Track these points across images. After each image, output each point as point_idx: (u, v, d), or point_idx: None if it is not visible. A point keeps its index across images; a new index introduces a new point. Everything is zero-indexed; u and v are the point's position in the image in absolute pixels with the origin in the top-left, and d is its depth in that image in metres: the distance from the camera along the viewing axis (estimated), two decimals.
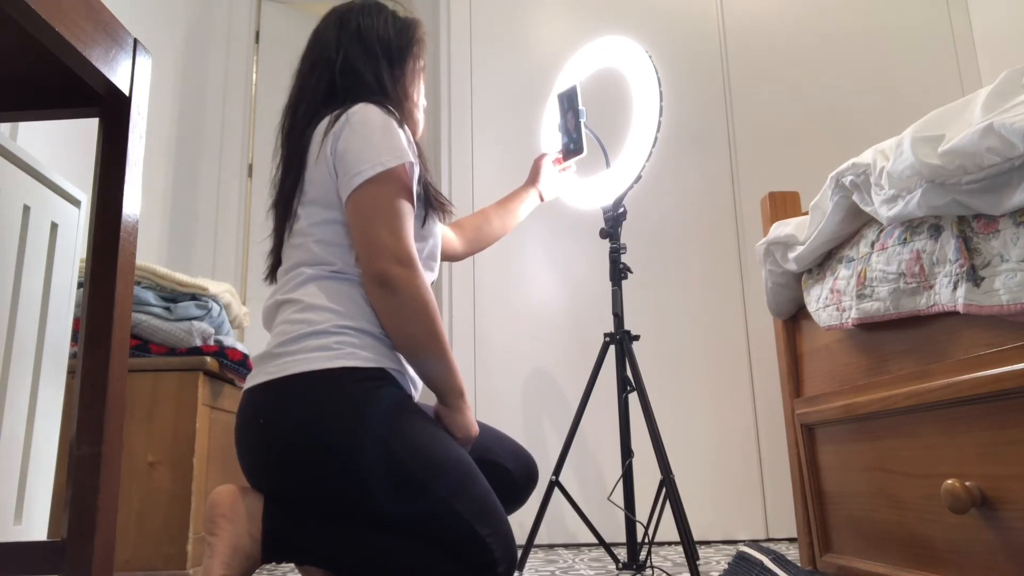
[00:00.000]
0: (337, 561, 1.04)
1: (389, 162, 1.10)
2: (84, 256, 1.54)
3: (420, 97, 1.34)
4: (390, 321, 1.09)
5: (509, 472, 1.26)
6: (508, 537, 1.05)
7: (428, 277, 1.22)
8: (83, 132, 1.73)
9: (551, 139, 2.19)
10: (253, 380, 1.10)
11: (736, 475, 2.49)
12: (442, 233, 1.48)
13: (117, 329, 0.74)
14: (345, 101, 1.18)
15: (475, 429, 1.16)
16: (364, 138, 1.11)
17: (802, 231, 1.48)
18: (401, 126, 1.17)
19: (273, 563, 1.06)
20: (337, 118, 1.15)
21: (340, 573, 1.05)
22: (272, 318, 1.16)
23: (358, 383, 1.05)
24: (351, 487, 1.03)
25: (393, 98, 1.24)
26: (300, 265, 1.14)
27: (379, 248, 1.08)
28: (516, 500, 1.29)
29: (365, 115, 1.14)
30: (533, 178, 1.69)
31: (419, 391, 1.21)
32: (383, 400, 1.05)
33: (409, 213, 1.12)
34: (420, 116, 1.34)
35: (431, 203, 1.22)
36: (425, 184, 1.21)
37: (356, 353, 1.06)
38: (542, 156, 1.72)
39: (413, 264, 1.09)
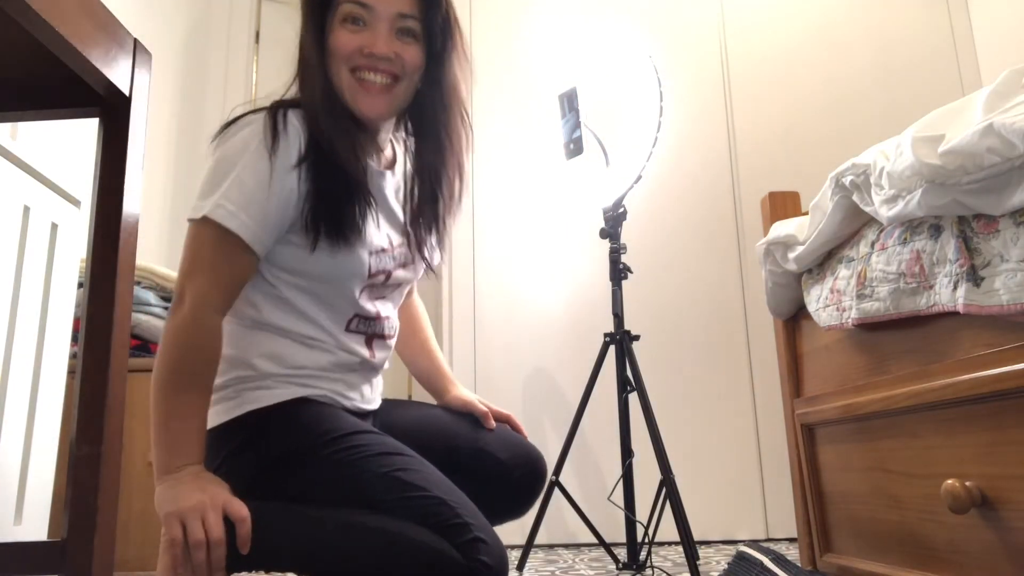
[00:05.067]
0: (306, 552, 0.95)
1: (201, 211, 0.98)
2: (84, 256, 1.54)
3: (347, 56, 1.04)
4: None
5: (502, 463, 1.15)
6: (479, 519, 0.95)
7: (305, 329, 1.05)
8: (83, 132, 1.73)
9: (551, 139, 2.20)
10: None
11: (736, 475, 2.49)
12: None
13: (117, 329, 0.74)
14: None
15: (182, 505, 0.88)
16: (207, 170, 1.01)
17: (802, 231, 1.48)
18: (275, 142, 0.99)
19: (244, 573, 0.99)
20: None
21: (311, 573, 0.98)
22: None
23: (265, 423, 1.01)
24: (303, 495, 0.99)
25: (317, 81, 1.05)
26: None
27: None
28: (514, 498, 1.17)
29: (221, 142, 1.02)
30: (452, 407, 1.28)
31: (370, 396, 1.15)
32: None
33: (214, 252, 0.98)
34: (370, 76, 1.04)
35: (322, 227, 1.01)
36: (316, 203, 1.01)
37: (256, 395, 1.02)
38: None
39: (188, 305, 0.96)
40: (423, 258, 1.17)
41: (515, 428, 1.26)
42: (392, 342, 1.19)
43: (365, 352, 1.11)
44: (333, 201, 1.02)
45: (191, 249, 1.00)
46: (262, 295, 1.06)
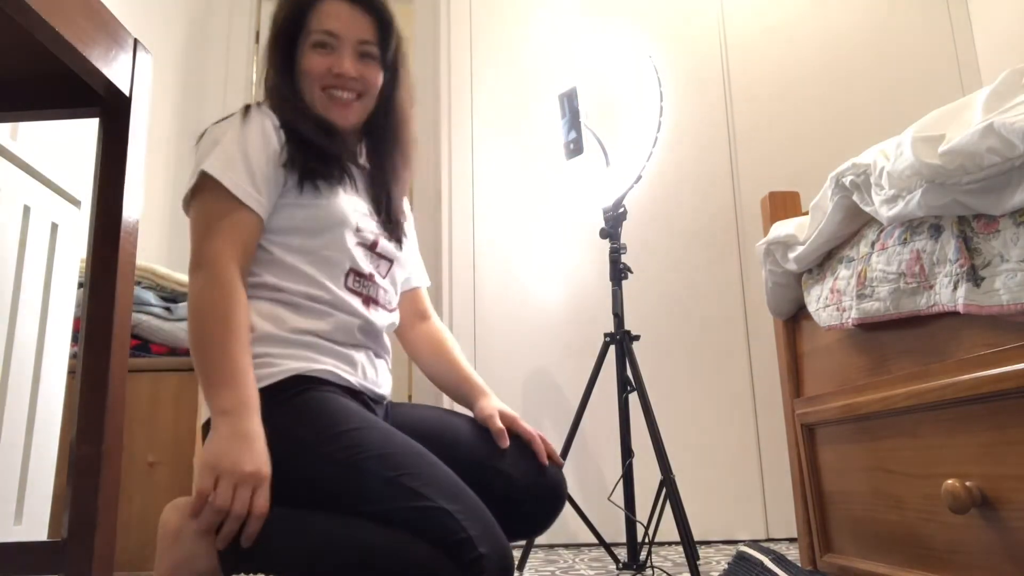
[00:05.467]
0: (305, 562, 0.95)
1: (192, 181, 1.09)
2: (84, 256, 1.54)
3: (319, 76, 1.18)
4: None
5: (513, 483, 1.11)
6: (483, 518, 0.94)
7: (307, 272, 1.10)
8: (83, 132, 1.73)
9: (551, 139, 2.21)
10: None
11: (736, 475, 2.49)
12: (407, 310, 1.32)
13: (117, 329, 0.74)
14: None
15: (225, 464, 0.91)
16: (199, 152, 1.12)
17: (802, 231, 1.48)
18: (251, 117, 1.11)
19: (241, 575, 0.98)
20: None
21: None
22: None
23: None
24: (303, 494, 0.98)
25: (291, 95, 1.19)
26: None
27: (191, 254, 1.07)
28: (524, 522, 1.12)
29: (203, 139, 1.14)
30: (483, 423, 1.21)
31: (365, 372, 1.13)
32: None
33: (213, 217, 1.06)
34: (339, 93, 1.19)
35: (307, 170, 1.11)
36: (299, 149, 1.12)
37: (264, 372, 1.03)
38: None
39: (203, 266, 1.03)
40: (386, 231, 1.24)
41: (536, 449, 1.18)
42: (393, 317, 1.21)
43: (364, 311, 1.13)
44: (314, 147, 1.14)
45: (194, 225, 1.07)
46: (259, 263, 1.11)
